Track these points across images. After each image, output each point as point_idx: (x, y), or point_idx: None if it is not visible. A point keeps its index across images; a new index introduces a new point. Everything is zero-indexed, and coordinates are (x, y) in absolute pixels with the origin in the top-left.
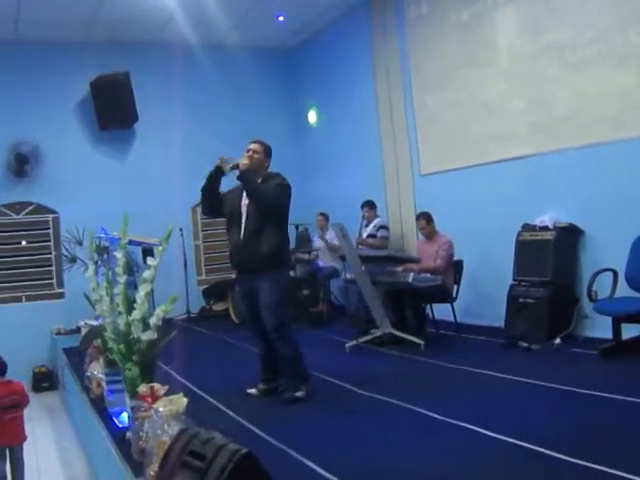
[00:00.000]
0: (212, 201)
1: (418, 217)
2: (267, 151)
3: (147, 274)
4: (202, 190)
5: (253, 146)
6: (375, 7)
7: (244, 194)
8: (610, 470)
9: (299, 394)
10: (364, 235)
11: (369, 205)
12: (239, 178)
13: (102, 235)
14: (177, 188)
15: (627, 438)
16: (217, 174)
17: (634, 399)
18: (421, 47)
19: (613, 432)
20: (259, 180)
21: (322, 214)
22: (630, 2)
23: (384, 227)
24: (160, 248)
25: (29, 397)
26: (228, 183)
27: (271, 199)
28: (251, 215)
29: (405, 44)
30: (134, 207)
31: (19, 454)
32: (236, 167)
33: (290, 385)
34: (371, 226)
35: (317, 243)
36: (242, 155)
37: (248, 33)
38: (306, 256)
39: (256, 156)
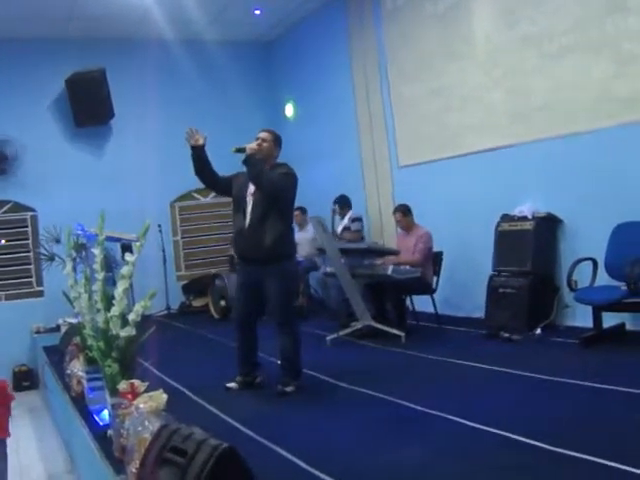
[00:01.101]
0: (206, 177)
1: (394, 211)
2: (277, 140)
3: (125, 270)
4: (195, 172)
5: (263, 134)
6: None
7: (249, 182)
8: (591, 458)
9: (289, 389)
10: (339, 229)
11: (340, 202)
12: (244, 162)
13: (79, 232)
14: (155, 184)
15: (608, 426)
16: (194, 151)
17: (615, 387)
18: (398, 39)
19: (594, 420)
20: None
21: (299, 209)
22: None
23: (358, 219)
24: (138, 244)
25: (13, 395)
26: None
27: (275, 185)
28: (257, 203)
29: (382, 36)
30: (112, 203)
31: (2, 449)
32: (242, 150)
33: (282, 379)
34: (346, 219)
35: (296, 236)
36: (251, 141)
37: (225, 27)
38: None
39: (265, 144)
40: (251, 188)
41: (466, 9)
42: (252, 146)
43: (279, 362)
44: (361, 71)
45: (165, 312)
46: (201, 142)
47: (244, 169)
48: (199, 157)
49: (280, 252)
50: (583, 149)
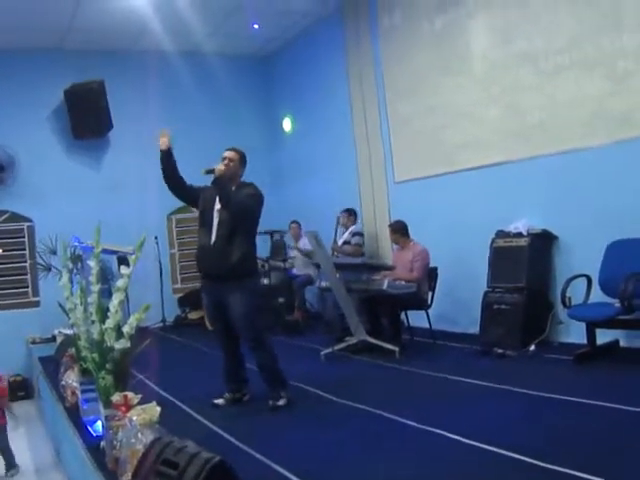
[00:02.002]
0: (173, 184)
1: (388, 226)
2: (242, 159)
3: (120, 283)
4: (162, 174)
5: (228, 154)
6: (349, 15)
7: (216, 198)
8: (584, 475)
9: (281, 402)
10: (340, 242)
11: (348, 212)
12: (213, 183)
13: (75, 243)
14: (152, 196)
15: (602, 443)
16: (163, 156)
17: (609, 404)
18: (395, 55)
19: (588, 437)
20: (233, 188)
21: (295, 222)
22: (601, 11)
23: (359, 234)
24: (133, 257)
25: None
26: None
27: (242, 207)
28: (223, 221)
29: (379, 52)
30: (109, 216)
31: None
32: (211, 172)
33: (272, 394)
34: (347, 233)
35: (293, 251)
36: (219, 162)
37: (223, 41)
38: (281, 264)
39: (231, 164)
40: (218, 204)
41: (462, 27)
42: (220, 167)
43: (261, 378)
44: (358, 87)
45: (161, 324)
46: (164, 147)
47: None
48: (165, 162)
49: (243, 270)
50: (578, 166)
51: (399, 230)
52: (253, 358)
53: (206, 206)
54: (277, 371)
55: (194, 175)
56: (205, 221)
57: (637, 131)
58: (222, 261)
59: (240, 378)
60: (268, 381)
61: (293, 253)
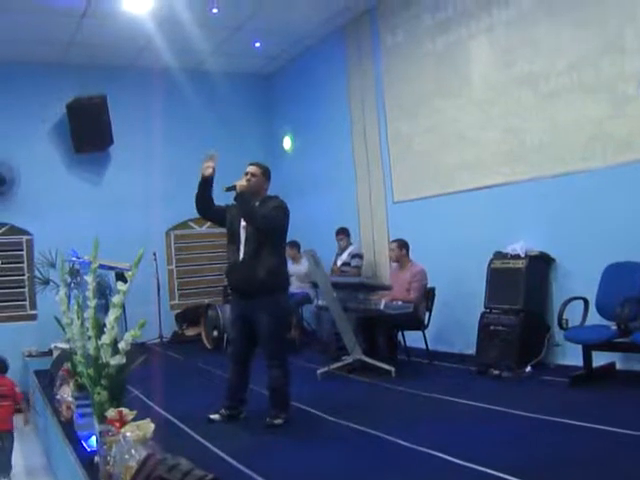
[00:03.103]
0: (203, 206)
1: (392, 241)
2: (266, 174)
3: (116, 299)
4: (195, 197)
5: (251, 169)
6: (351, 35)
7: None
8: None
9: (277, 421)
10: (339, 263)
11: (343, 232)
12: (236, 199)
13: (73, 258)
14: (151, 212)
15: (597, 466)
16: (204, 182)
17: (604, 427)
18: (396, 75)
19: (583, 460)
20: (257, 202)
21: (291, 243)
22: (602, 34)
23: (358, 255)
24: (130, 273)
25: (21, 394)
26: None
27: (267, 220)
28: (250, 237)
29: (380, 72)
30: (108, 231)
31: (9, 441)
32: (232, 189)
33: (271, 412)
34: (345, 254)
35: (290, 269)
36: (240, 177)
37: (225, 58)
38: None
39: (254, 179)
40: (244, 221)
41: (464, 48)
42: (242, 183)
43: (268, 394)
44: (359, 106)
45: (158, 340)
46: (207, 174)
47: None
48: (203, 188)
49: (273, 285)
50: (577, 189)
51: (405, 246)
52: (267, 374)
53: (233, 224)
54: (286, 394)
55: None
56: (233, 238)
57: (636, 155)
58: (251, 276)
59: (241, 397)
60: (273, 399)
61: (291, 269)
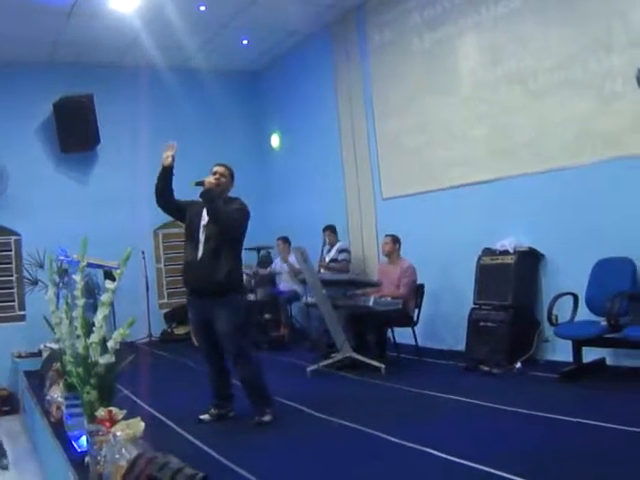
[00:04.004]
0: (164, 198)
1: (386, 236)
2: (232, 175)
3: (105, 297)
4: (155, 188)
5: (219, 169)
6: (339, 32)
7: (203, 213)
8: None
9: (266, 418)
10: (327, 259)
11: (330, 229)
12: (201, 196)
13: (61, 256)
14: (139, 211)
15: (587, 461)
16: (164, 172)
17: (594, 422)
18: (384, 72)
19: (573, 455)
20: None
21: (281, 239)
22: (590, 32)
23: (345, 250)
24: (118, 271)
25: None
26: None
27: (231, 220)
28: (210, 236)
29: (368, 69)
30: (96, 230)
31: None
32: (201, 184)
33: (256, 410)
34: (334, 250)
35: (278, 266)
36: (208, 176)
37: (213, 56)
38: (266, 271)
39: (222, 179)
40: (204, 219)
41: (452, 45)
42: (210, 180)
43: (245, 392)
44: (346, 103)
45: (147, 339)
46: (167, 163)
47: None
48: (163, 178)
49: (231, 285)
50: (565, 185)
51: (398, 242)
52: (239, 375)
53: (193, 221)
54: (261, 387)
55: (180, 190)
56: (192, 236)
57: (624, 151)
58: (209, 276)
59: (225, 394)
60: (252, 397)
61: (279, 267)
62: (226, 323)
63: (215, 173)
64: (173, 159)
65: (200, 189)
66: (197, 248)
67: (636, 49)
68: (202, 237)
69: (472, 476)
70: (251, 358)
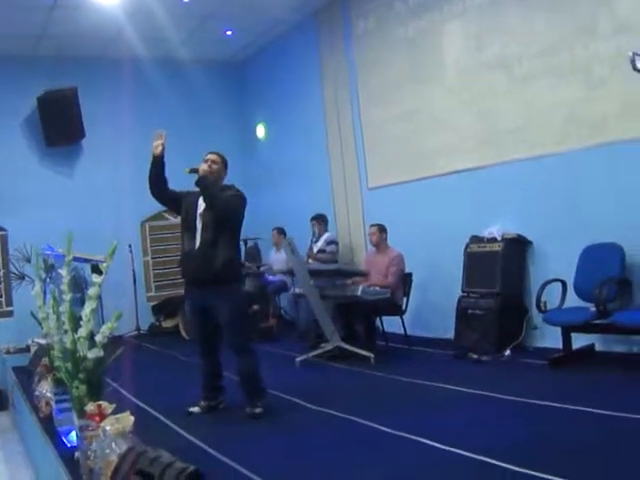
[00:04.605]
0: (158, 188)
1: (372, 225)
2: (225, 163)
3: (92, 291)
4: (148, 178)
5: (212, 156)
6: (323, 21)
7: (199, 202)
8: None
9: (257, 410)
10: (314, 250)
11: (318, 219)
12: (197, 183)
13: (48, 252)
14: (125, 204)
15: (576, 447)
16: (155, 161)
17: (584, 408)
18: (368, 61)
19: (562, 442)
20: None
21: (277, 229)
22: (574, 18)
23: (333, 242)
24: (105, 265)
25: None
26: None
27: (228, 207)
28: (207, 225)
29: (353, 58)
30: (83, 223)
31: None
32: (195, 171)
33: (248, 401)
34: (321, 241)
35: (271, 257)
36: (200, 163)
37: (197, 47)
38: (255, 269)
39: (215, 167)
40: (201, 208)
41: (436, 33)
42: (204, 167)
43: (240, 383)
44: (332, 93)
45: (135, 333)
46: (158, 152)
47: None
48: (155, 167)
49: (230, 274)
50: (552, 171)
51: (385, 230)
52: (236, 364)
53: (189, 211)
54: (258, 379)
55: (169, 180)
56: (188, 226)
57: (610, 137)
58: (207, 266)
59: (217, 386)
60: (247, 389)
61: (272, 258)
62: (228, 313)
63: (207, 161)
64: (163, 147)
65: (195, 177)
66: (194, 238)
67: (622, 35)
68: (199, 226)
69: (462, 464)
70: (252, 350)
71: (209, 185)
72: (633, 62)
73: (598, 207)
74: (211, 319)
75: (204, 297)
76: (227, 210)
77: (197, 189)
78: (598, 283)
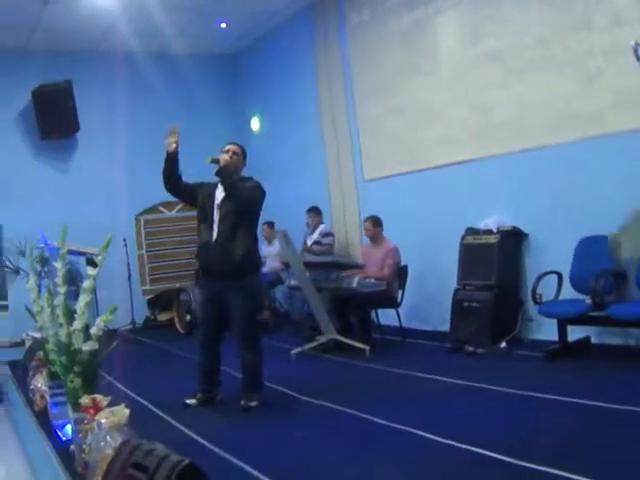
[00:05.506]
0: (173, 183)
1: (365, 219)
2: (244, 154)
3: (86, 284)
4: (162, 174)
5: (232, 147)
6: (317, 14)
7: (216, 194)
8: (555, 471)
9: (253, 403)
10: (309, 242)
11: (314, 211)
12: (217, 173)
13: (42, 243)
14: (120, 197)
15: (573, 439)
16: (169, 159)
17: (580, 400)
18: (363, 53)
19: (558, 433)
20: None
21: (267, 223)
22: (570, 11)
23: (329, 234)
24: (99, 257)
25: None
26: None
27: (248, 197)
28: (225, 216)
29: (347, 50)
30: (77, 217)
31: None
32: (216, 162)
33: (245, 394)
34: (316, 233)
35: (264, 250)
36: (219, 153)
37: (191, 40)
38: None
39: (234, 157)
40: (218, 199)
41: (430, 25)
42: (225, 157)
43: (241, 376)
44: (326, 85)
45: (130, 326)
46: (171, 149)
47: (209, 180)
48: (169, 164)
49: (247, 267)
50: (547, 163)
51: (379, 223)
52: (241, 357)
53: (205, 202)
54: (260, 374)
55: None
56: (205, 217)
57: (605, 129)
58: (226, 257)
59: (215, 379)
60: (248, 382)
61: (265, 250)
62: (242, 307)
63: (228, 151)
64: (177, 144)
65: (215, 167)
66: (212, 229)
67: (616, 28)
68: (216, 217)
69: (458, 456)
70: (259, 345)
71: (230, 175)
72: (636, 52)
73: (594, 199)
74: (222, 310)
75: (220, 289)
76: (247, 201)
77: (211, 181)
78: (594, 275)
